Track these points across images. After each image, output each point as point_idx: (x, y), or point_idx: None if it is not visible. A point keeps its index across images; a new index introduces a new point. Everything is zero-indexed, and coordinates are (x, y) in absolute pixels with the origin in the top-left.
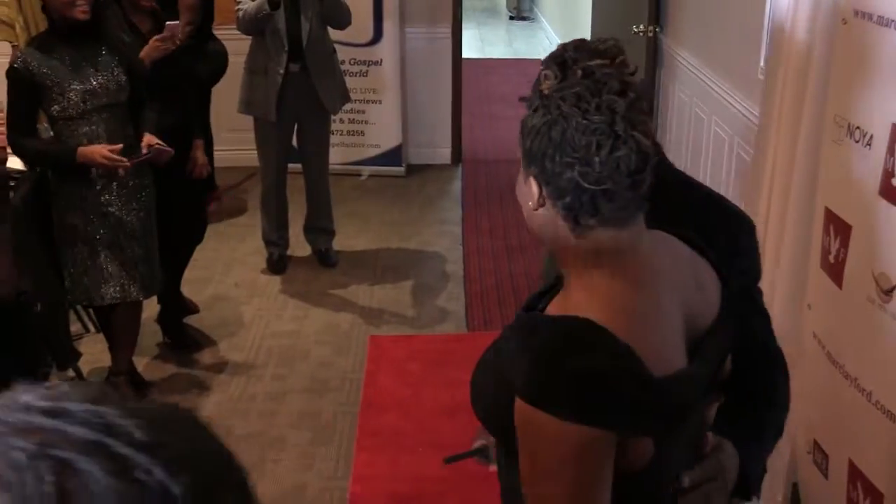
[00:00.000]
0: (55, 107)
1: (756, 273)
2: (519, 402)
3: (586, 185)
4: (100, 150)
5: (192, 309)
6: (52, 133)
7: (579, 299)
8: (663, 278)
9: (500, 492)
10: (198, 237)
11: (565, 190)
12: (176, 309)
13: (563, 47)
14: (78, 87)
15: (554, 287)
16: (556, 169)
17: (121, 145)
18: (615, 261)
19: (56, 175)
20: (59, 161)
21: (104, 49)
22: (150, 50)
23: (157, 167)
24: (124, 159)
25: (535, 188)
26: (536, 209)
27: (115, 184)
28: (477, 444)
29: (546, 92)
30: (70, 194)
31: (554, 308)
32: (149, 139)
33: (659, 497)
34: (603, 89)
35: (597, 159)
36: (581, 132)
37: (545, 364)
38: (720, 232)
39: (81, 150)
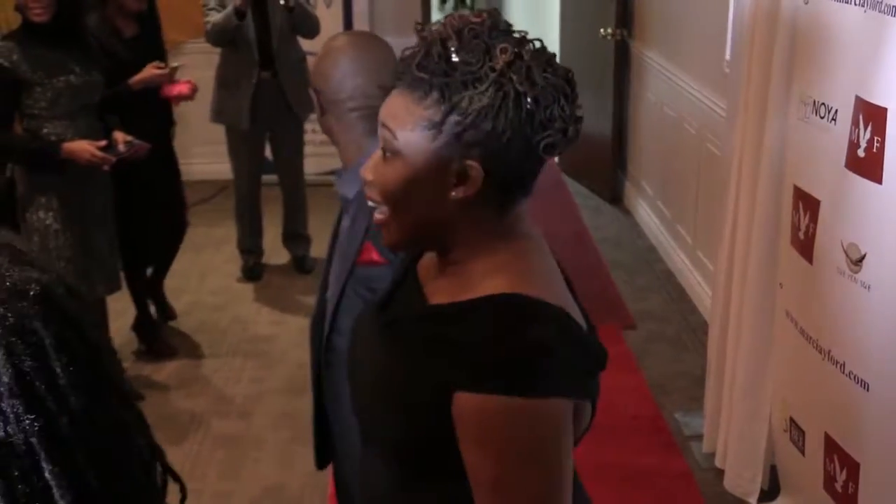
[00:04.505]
0: (32, 103)
1: None
2: (477, 399)
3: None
4: (86, 147)
5: (170, 315)
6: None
7: (495, 279)
8: (548, 251)
9: None
10: (178, 236)
11: (511, 165)
12: (158, 311)
13: (476, 33)
14: (58, 84)
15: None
16: (507, 144)
17: (104, 142)
18: (521, 233)
19: (30, 174)
20: (42, 156)
21: (80, 50)
22: (147, 78)
23: (136, 162)
24: (109, 156)
25: (477, 174)
26: (467, 195)
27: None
28: None
29: (497, 67)
30: (46, 192)
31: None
32: (123, 136)
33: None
34: (542, 55)
35: (570, 124)
36: (547, 96)
37: (496, 349)
38: None
39: (67, 145)
